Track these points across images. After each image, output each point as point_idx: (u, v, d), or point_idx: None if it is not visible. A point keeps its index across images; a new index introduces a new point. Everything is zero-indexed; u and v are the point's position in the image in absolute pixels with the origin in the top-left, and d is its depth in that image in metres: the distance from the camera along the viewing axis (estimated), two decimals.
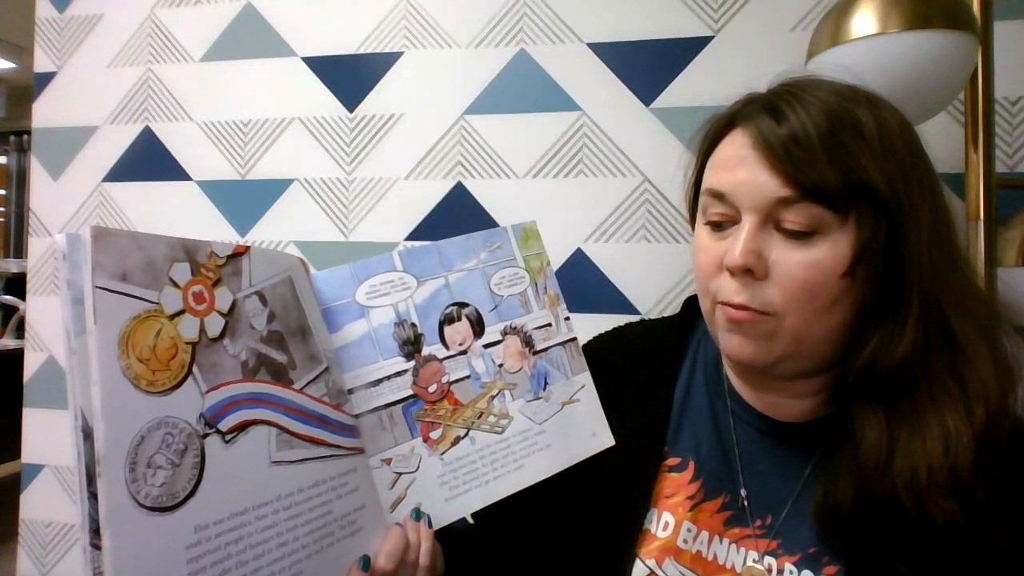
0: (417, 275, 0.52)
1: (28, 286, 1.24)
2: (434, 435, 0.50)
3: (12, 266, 3.14)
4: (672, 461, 0.54)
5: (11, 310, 2.87)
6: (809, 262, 0.45)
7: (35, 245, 1.24)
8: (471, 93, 1.07)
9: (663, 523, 0.52)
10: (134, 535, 0.33)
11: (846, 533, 0.46)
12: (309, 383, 0.46)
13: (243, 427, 0.40)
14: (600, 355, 0.62)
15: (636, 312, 0.99)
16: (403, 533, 0.47)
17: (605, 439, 0.56)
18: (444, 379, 0.52)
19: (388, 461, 0.49)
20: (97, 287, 0.34)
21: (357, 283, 0.50)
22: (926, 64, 0.67)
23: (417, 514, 0.49)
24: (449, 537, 0.54)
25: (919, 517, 0.42)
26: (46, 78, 1.25)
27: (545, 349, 0.57)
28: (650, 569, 0.51)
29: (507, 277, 0.56)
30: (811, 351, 0.48)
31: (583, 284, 1.02)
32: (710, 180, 0.50)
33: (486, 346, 0.54)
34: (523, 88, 1.05)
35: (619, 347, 0.64)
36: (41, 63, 1.25)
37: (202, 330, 0.39)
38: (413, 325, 0.51)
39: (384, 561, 0.46)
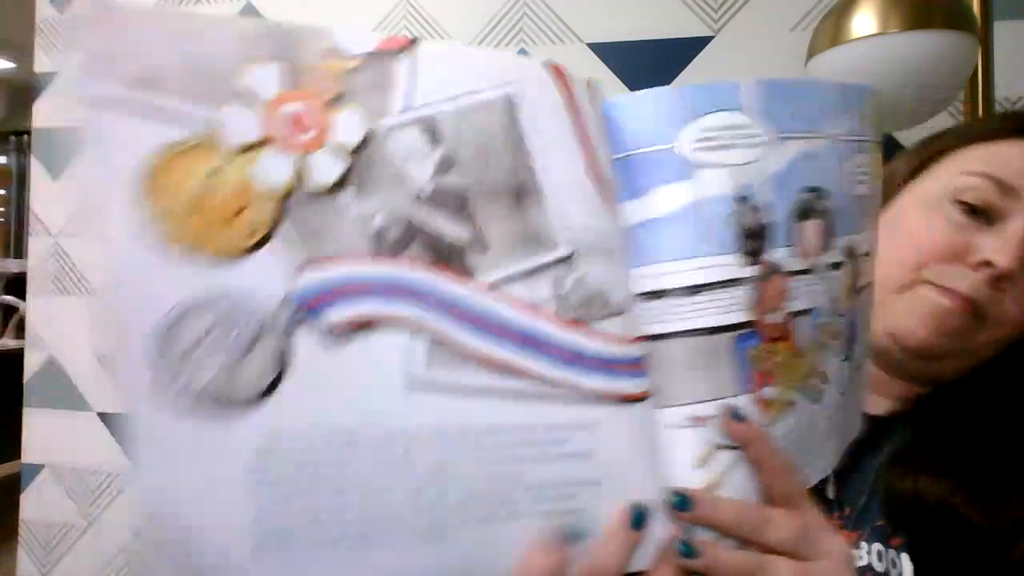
0: (779, 127, 0.31)
1: (28, 286, 1.24)
2: (768, 393, 0.32)
3: (12, 266, 3.14)
4: None
5: (11, 310, 2.87)
6: None
7: (35, 245, 1.24)
8: None
9: None
10: (169, 439, 0.24)
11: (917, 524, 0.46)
12: (514, 277, 0.28)
13: (363, 326, 0.26)
14: None
15: None
16: (630, 542, 0.29)
17: (859, 425, 0.41)
18: (787, 307, 0.32)
19: (702, 421, 0.31)
20: (94, 98, 0.23)
21: (684, 121, 0.30)
22: (926, 64, 0.67)
23: (639, 518, 0.29)
24: None
25: None
26: (46, 78, 1.25)
27: (862, 288, 0.37)
28: None
29: (860, 167, 0.35)
30: (965, 365, 0.47)
31: None
32: (995, 167, 0.47)
33: (830, 266, 0.34)
34: None
35: None
36: (41, 63, 1.25)
37: (299, 175, 0.26)
38: (758, 208, 0.31)
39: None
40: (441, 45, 0.28)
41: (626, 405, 0.29)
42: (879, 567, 0.47)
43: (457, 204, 0.28)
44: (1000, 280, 0.43)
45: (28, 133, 1.25)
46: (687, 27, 1.00)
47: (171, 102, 0.24)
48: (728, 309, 0.31)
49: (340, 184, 0.26)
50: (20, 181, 4.58)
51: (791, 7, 0.97)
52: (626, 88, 1.02)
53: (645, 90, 0.31)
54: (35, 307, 1.24)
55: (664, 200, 0.30)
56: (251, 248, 0.25)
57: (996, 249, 0.43)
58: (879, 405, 0.52)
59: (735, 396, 0.31)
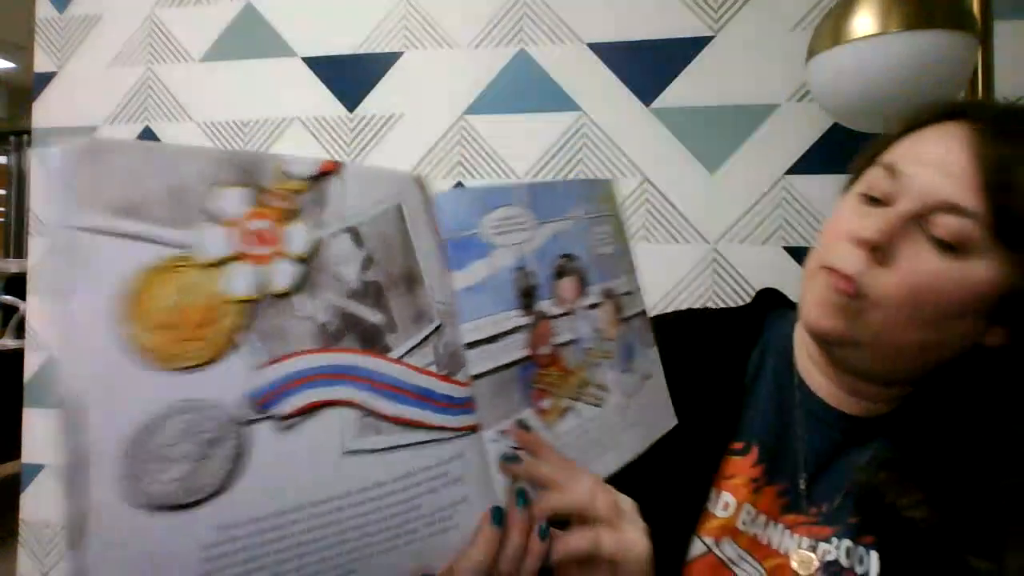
0: (538, 215, 0.44)
1: (28, 286, 1.24)
2: (545, 404, 0.43)
3: (12, 266, 3.14)
4: (736, 445, 0.55)
5: (11, 310, 2.87)
6: (938, 273, 0.43)
7: (35, 245, 1.24)
8: (471, 93, 1.07)
9: (723, 503, 0.53)
10: (127, 536, 0.26)
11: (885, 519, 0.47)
12: (413, 348, 0.35)
13: (310, 410, 0.30)
14: (668, 336, 0.62)
15: None
16: (496, 536, 0.38)
17: (671, 419, 0.53)
18: (554, 341, 0.44)
19: (505, 433, 0.40)
20: (83, 229, 0.24)
21: (482, 212, 0.41)
22: (926, 64, 0.67)
23: (522, 498, 0.39)
24: None
25: None
26: (46, 78, 1.25)
27: (630, 318, 0.50)
28: (708, 547, 0.52)
29: (602, 236, 0.48)
30: (886, 355, 0.48)
31: None
32: (896, 156, 0.48)
33: (589, 307, 0.46)
34: (523, 88, 1.05)
35: (688, 330, 0.63)
36: (41, 63, 1.25)
37: (260, 284, 0.29)
38: (531, 273, 0.43)
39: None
40: (355, 165, 0.35)
41: (469, 435, 0.38)
42: (845, 563, 0.49)
43: (376, 294, 0.34)
44: (873, 252, 0.45)
45: (28, 133, 1.26)
46: (687, 27, 1.00)
47: (149, 227, 0.26)
48: (513, 349, 0.41)
49: (295, 289, 0.30)
50: (20, 181, 4.58)
51: (791, 7, 0.97)
52: (626, 88, 1.02)
53: (456, 189, 0.41)
54: (35, 307, 1.24)
55: (475, 271, 0.40)
56: (218, 356, 0.28)
57: (868, 226, 0.45)
58: (853, 406, 0.53)
59: (523, 411, 0.41)
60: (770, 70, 0.97)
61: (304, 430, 0.30)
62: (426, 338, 0.36)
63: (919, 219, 0.45)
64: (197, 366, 0.27)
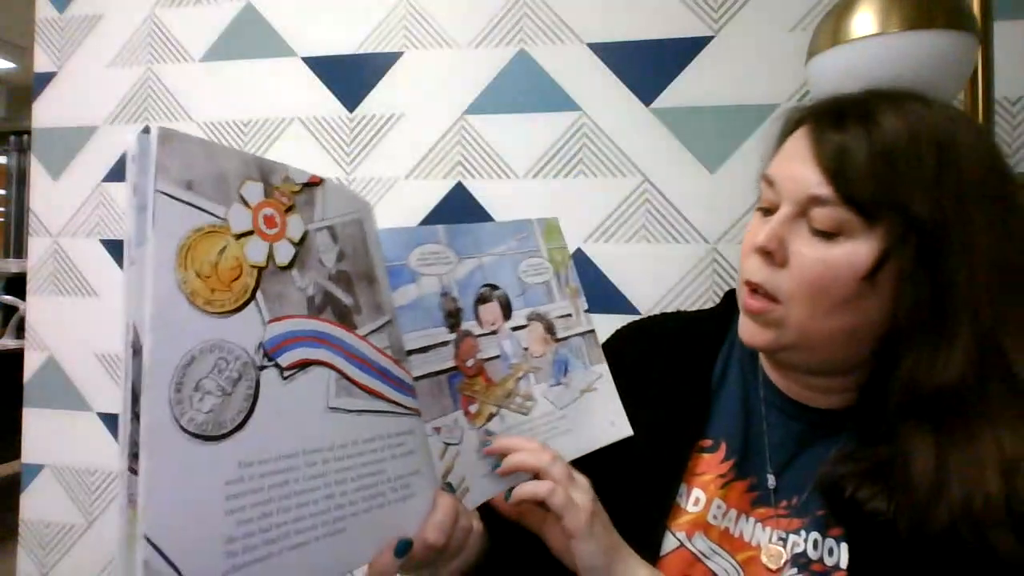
0: (458, 251, 0.54)
1: (28, 286, 1.24)
2: (472, 409, 0.51)
3: (12, 266, 3.14)
4: (705, 443, 0.57)
5: (11, 310, 2.87)
6: (823, 259, 0.47)
7: (35, 245, 1.24)
8: (471, 93, 1.07)
9: (694, 499, 0.55)
10: (173, 459, 0.31)
11: (851, 513, 0.48)
12: (373, 332, 0.43)
13: (303, 365, 0.38)
14: (642, 337, 0.66)
15: (636, 312, 0.99)
16: (454, 502, 0.46)
17: (624, 429, 0.58)
18: (478, 355, 0.53)
19: (438, 430, 0.49)
20: (159, 191, 0.32)
21: (410, 247, 0.51)
22: (926, 64, 0.67)
23: (451, 488, 0.48)
24: (489, 516, 0.55)
25: (979, 548, 0.43)
26: (46, 78, 1.25)
27: (566, 338, 0.59)
28: (680, 542, 0.53)
29: (533, 266, 0.59)
30: (820, 347, 0.50)
31: (583, 284, 1.02)
32: (771, 168, 0.53)
33: (514, 329, 0.56)
34: (523, 88, 1.05)
35: (657, 333, 0.67)
36: (41, 63, 1.25)
37: (270, 256, 0.37)
38: (454, 298, 0.53)
39: (434, 534, 0.43)
40: (330, 182, 0.43)
41: (417, 416, 0.46)
42: (813, 555, 0.51)
43: (347, 281, 0.43)
44: (769, 256, 0.49)
45: (28, 133, 1.26)
46: (687, 27, 1.00)
47: (202, 199, 0.34)
48: (443, 360, 0.50)
49: (291, 264, 0.39)
50: (20, 181, 4.58)
51: (791, 7, 0.97)
52: (626, 88, 1.02)
53: (392, 228, 0.49)
54: (35, 307, 1.24)
55: (407, 293, 0.49)
56: (240, 307, 0.35)
57: (760, 234, 0.50)
58: (817, 399, 0.55)
59: (452, 413, 0.50)
60: (770, 70, 0.97)
61: (299, 382, 0.38)
62: (383, 326, 0.45)
63: (801, 217, 0.48)
64: (226, 312, 0.34)
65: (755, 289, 0.50)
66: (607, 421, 0.58)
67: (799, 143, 0.50)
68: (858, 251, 0.46)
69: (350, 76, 1.12)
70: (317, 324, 0.39)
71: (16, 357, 1.27)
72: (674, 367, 0.61)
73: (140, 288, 0.32)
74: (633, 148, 1.02)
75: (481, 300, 0.54)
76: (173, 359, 0.32)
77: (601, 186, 1.02)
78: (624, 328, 0.68)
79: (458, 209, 1.07)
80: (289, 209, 0.39)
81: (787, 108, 0.55)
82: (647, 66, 1.01)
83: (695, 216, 1.00)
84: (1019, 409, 0.45)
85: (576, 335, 0.60)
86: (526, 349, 0.56)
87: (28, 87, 1.26)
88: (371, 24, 1.12)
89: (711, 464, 0.56)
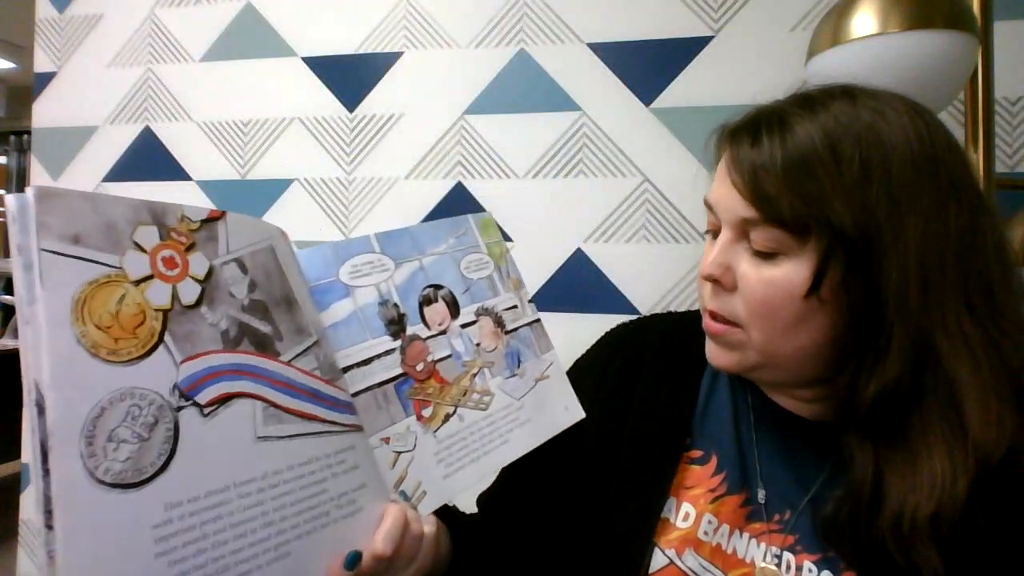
0: (394, 257, 0.54)
1: None
2: (426, 413, 0.51)
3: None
4: (695, 453, 0.55)
5: (11, 310, 2.87)
6: (767, 280, 0.46)
7: None
8: (471, 93, 1.07)
9: (683, 514, 0.53)
10: (88, 513, 0.31)
11: (856, 550, 0.46)
12: (298, 356, 0.44)
13: (224, 400, 0.38)
14: (628, 344, 0.63)
15: (636, 312, 0.99)
16: (403, 511, 0.45)
17: (576, 412, 0.59)
18: (429, 358, 0.53)
19: (387, 440, 0.48)
20: (43, 250, 0.32)
21: (339, 263, 0.51)
22: (926, 64, 0.67)
23: (404, 496, 0.47)
24: (453, 524, 0.54)
25: (905, 564, 0.42)
26: (46, 78, 1.25)
27: (515, 329, 0.60)
28: (669, 559, 0.51)
29: (474, 262, 0.59)
30: (787, 365, 0.49)
31: (583, 284, 1.02)
32: (709, 193, 0.52)
33: (463, 326, 0.56)
34: (523, 88, 1.05)
35: (647, 338, 0.64)
36: (41, 63, 1.25)
37: (175, 297, 0.38)
38: (395, 305, 0.52)
39: (383, 544, 0.43)
40: (233, 214, 0.43)
41: (358, 432, 0.46)
42: None
43: (263, 310, 0.43)
44: (716, 284, 0.49)
45: (28, 133, 1.26)
46: (687, 27, 1.00)
47: (91, 251, 0.34)
48: (388, 369, 0.49)
49: (199, 302, 0.39)
50: (20, 181, 4.58)
51: (791, 7, 0.97)
52: (626, 88, 1.02)
53: (314, 247, 0.49)
54: None
55: (339, 310, 0.49)
56: (148, 352, 0.36)
57: (705, 262, 0.50)
58: (804, 409, 0.53)
59: (404, 420, 0.49)
60: (770, 70, 0.97)
61: (221, 416, 0.38)
62: (308, 348, 0.45)
63: (743, 239, 0.48)
64: (133, 359, 0.35)
65: (713, 315, 0.49)
66: (561, 407, 0.59)
67: (726, 167, 0.49)
68: (798, 270, 0.44)
69: (350, 76, 1.12)
70: (235, 357, 0.40)
71: (16, 357, 1.27)
72: (661, 374, 0.59)
73: (37, 347, 0.32)
74: (633, 148, 1.02)
75: (426, 302, 0.54)
76: (80, 414, 0.32)
77: (601, 186, 1.02)
78: (610, 334, 0.66)
79: (458, 209, 1.07)
80: (190, 247, 0.39)
81: (718, 125, 0.53)
82: (647, 66, 1.01)
83: (695, 216, 1.00)
84: (953, 422, 0.43)
85: (524, 325, 0.61)
86: (478, 345, 0.56)
87: (28, 87, 1.26)
88: (371, 24, 1.12)
89: (701, 477, 0.54)
